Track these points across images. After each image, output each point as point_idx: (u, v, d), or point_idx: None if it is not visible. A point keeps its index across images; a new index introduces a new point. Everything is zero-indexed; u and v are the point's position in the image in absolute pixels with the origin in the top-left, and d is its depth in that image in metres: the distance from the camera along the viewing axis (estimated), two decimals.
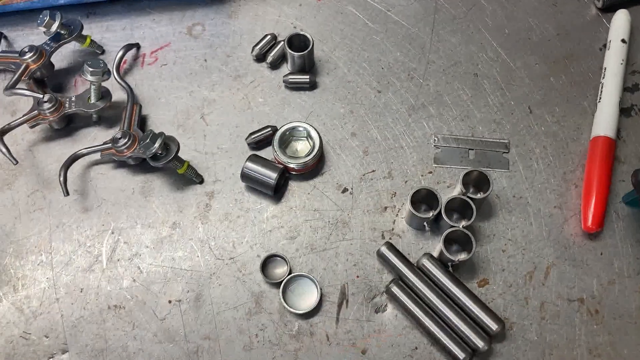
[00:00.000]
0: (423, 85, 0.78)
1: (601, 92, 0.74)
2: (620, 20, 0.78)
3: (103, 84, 0.73)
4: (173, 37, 0.82)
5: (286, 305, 0.66)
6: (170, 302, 0.68)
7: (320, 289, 0.67)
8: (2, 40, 0.81)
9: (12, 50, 0.81)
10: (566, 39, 0.80)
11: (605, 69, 0.76)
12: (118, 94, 0.77)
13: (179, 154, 0.70)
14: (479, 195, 0.67)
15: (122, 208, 0.72)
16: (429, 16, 0.82)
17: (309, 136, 0.72)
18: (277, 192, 0.72)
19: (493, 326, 0.64)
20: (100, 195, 0.73)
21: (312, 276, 0.67)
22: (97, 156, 0.74)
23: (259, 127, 0.75)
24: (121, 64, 0.79)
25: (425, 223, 0.68)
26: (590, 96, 0.77)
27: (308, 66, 0.78)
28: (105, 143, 0.72)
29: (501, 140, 0.74)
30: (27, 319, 0.68)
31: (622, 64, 0.75)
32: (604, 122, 0.72)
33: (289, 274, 0.68)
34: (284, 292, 0.67)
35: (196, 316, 0.67)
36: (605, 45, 0.79)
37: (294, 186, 0.73)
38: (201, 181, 0.73)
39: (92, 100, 0.73)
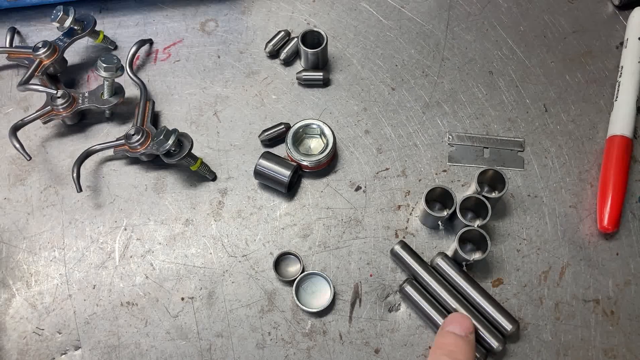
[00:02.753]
0: (437, 83, 0.77)
1: (618, 90, 0.74)
2: (638, 18, 0.77)
3: (116, 80, 0.73)
4: (186, 33, 0.81)
5: (299, 304, 0.66)
6: (183, 299, 0.68)
7: (334, 288, 0.67)
8: (15, 36, 0.81)
9: (25, 45, 0.80)
10: (582, 37, 0.79)
11: (622, 67, 0.75)
12: (131, 90, 0.77)
13: (192, 151, 0.69)
14: (494, 194, 0.66)
15: (134, 204, 0.72)
16: (444, 13, 0.81)
17: (322, 134, 0.72)
18: (290, 189, 0.71)
19: (507, 326, 0.63)
20: (113, 191, 0.73)
21: (325, 274, 0.67)
22: (110, 152, 0.74)
23: (272, 124, 0.75)
24: (134, 60, 0.78)
25: (439, 222, 0.67)
26: (607, 95, 0.76)
27: (322, 63, 0.77)
28: (118, 139, 0.72)
29: (516, 139, 0.74)
30: (40, 314, 0.68)
31: (639, 62, 0.74)
32: (621, 121, 0.72)
33: (302, 272, 0.67)
34: (296, 290, 0.67)
35: (209, 313, 0.67)
36: (622, 43, 0.78)
37: (306, 184, 0.73)
38: (214, 178, 0.73)
39: (105, 96, 0.73)
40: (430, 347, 0.65)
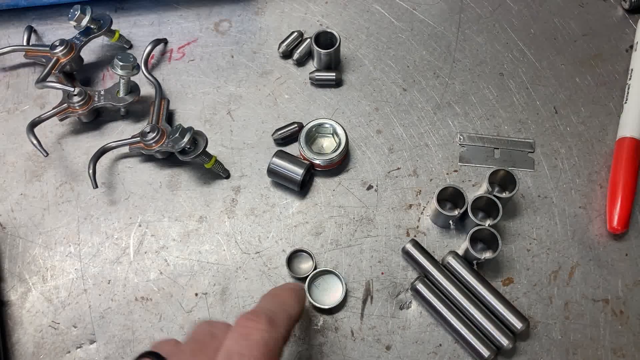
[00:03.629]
0: (449, 84, 0.78)
1: (627, 93, 0.74)
2: None
3: (131, 78, 0.74)
4: (200, 33, 0.82)
5: (311, 300, 0.67)
6: (196, 294, 0.69)
7: (346, 285, 0.67)
8: (32, 34, 0.82)
9: (42, 44, 0.81)
10: (592, 40, 0.80)
11: (632, 70, 0.75)
12: (146, 89, 0.78)
13: (206, 149, 0.70)
14: (505, 195, 0.67)
15: (149, 201, 0.73)
16: (455, 15, 0.82)
17: (335, 133, 0.73)
18: (302, 188, 0.72)
19: (517, 324, 0.64)
20: (128, 188, 0.74)
21: (337, 272, 0.68)
22: (125, 150, 0.75)
23: (285, 124, 0.75)
24: (149, 59, 0.79)
25: (450, 221, 0.68)
26: (617, 97, 0.76)
27: (334, 63, 0.78)
28: (133, 137, 0.73)
29: (526, 140, 0.74)
30: (55, 308, 0.69)
31: None
32: (631, 123, 0.72)
33: (314, 269, 0.68)
34: (309, 287, 0.67)
35: (222, 309, 0.68)
36: (632, 47, 0.79)
37: (319, 182, 0.73)
38: (228, 176, 0.74)
39: (121, 94, 0.74)
40: (440, 345, 0.66)
